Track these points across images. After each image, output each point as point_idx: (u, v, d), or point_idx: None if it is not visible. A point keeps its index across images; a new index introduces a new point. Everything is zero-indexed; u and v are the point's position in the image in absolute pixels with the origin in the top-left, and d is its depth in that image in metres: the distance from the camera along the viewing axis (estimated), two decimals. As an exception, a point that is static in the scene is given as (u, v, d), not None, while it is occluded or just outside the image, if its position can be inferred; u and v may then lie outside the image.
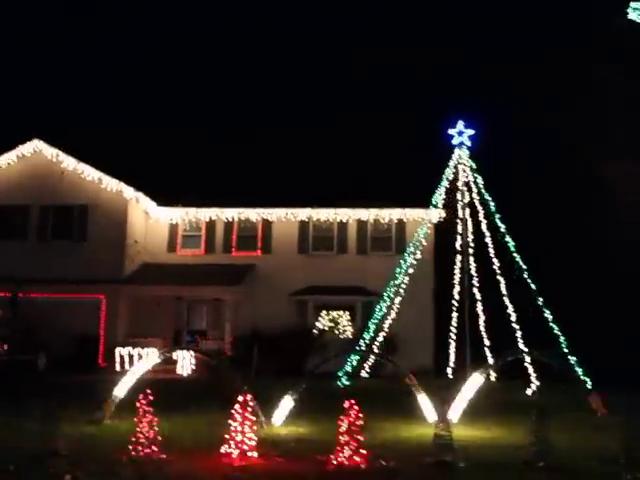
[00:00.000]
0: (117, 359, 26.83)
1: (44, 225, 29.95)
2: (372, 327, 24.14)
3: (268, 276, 30.11)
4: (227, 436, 10.46)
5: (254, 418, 10.84)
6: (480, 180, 23.82)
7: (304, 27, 53.87)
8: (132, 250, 30.14)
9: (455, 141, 24.20)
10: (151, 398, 10.80)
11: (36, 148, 30.12)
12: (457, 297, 23.32)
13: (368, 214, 30.72)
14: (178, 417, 14.30)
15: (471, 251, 23.39)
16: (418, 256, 24.79)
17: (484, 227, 23.46)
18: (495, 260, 22.99)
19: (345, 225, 31.00)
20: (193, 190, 30.33)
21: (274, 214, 31.01)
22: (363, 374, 23.58)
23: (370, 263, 30.22)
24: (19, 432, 12.71)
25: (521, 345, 21.85)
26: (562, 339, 21.78)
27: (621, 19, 20.30)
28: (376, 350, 23.10)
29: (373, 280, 28.87)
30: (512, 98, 34.56)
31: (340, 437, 10.13)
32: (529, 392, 21.19)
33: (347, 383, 22.61)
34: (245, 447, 10.37)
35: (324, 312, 29.76)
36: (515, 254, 22.86)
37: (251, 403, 11.85)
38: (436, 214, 27.01)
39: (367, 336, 24.06)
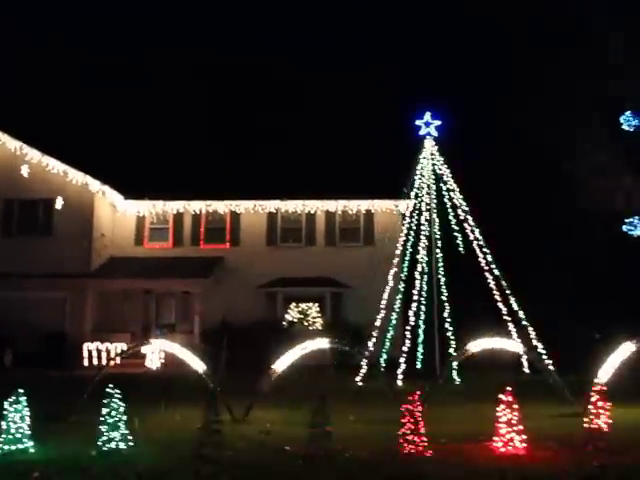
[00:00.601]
0: (85, 354, 26.64)
1: (8, 219, 29.54)
2: (341, 318, 24.16)
3: (237, 268, 30.05)
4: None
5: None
6: (447, 171, 23.92)
7: (270, 15, 53.69)
8: (99, 244, 29.87)
9: (422, 132, 24.27)
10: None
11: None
12: (425, 288, 23.39)
13: (336, 205, 30.76)
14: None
15: (439, 242, 23.48)
16: (387, 247, 24.83)
17: (452, 217, 23.56)
18: (462, 250, 23.09)
19: (313, 217, 31.01)
20: (160, 183, 30.09)
21: (242, 206, 30.92)
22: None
23: (339, 254, 30.26)
24: None
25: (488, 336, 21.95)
26: (530, 329, 21.97)
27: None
28: (345, 342, 23.07)
29: (342, 271, 28.95)
30: (479, 89, 34.75)
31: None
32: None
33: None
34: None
35: (293, 304, 29.75)
36: (483, 243, 23.00)
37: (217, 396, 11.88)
38: (404, 205, 27.07)
39: (336, 327, 24.08)
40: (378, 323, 22.65)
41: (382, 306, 22.88)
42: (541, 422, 12.96)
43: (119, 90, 38.28)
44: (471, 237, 23.07)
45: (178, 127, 34.46)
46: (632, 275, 28.42)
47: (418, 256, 23.07)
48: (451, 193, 23.65)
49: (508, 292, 22.23)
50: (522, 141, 30.69)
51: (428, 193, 23.81)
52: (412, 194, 24.37)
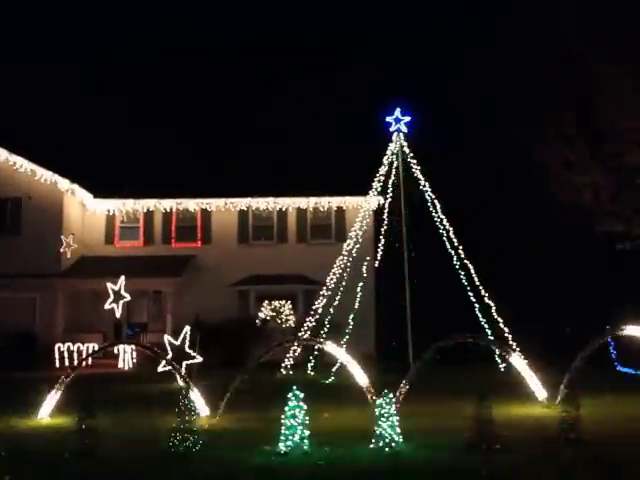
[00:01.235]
0: (57, 355, 26.39)
1: (-24, 219, 29.19)
2: (314, 316, 24.16)
3: (209, 267, 29.96)
4: None
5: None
6: (417, 166, 24.01)
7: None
8: (68, 243, 29.57)
9: (392, 128, 24.33)
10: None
11: (-34, 140, 29.32)
12: (397, 283, 23.47)
13: (307, 202, 30.78)
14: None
15: (409, 237, 23.54)
16: (358, 244, 24.87)
17: (422, 213, 23.65)
18: (432, 245, 23.19)
19: (285, 214, 31.01)
20: (130, 181, 29.90)
21: (213, 204, 30.83)
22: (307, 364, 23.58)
23: (311, 251, 30.29)
24: None
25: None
26: (500, 322, 22.18)
27: None
28: (319, 339, 23.10)
29: (314, 268, 28.94)
30: (448, 83, 34.88)
31: None
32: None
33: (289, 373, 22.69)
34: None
35: (266, 302, 29.68)
36: (453, 239, 23.14)
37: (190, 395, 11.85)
38: (375, 201, 27.14)
39: (309, 325, 24.07)
40: (351, 319, 22.72)
41: (356, 303, 22.98)
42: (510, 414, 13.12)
43: (88, 86, 37.93)
44: (442, 231, 23.21)
45: (148, 125, 34.18)
46: (603, 271, 28.76)
47: (389, 251, 23.16)
48: (420, 188, 23.74)
49: (479, 286, 22.43)
50: (491, 131, 30.86)
51: (398, 189, 23.86)
52: (379, 190, 24.47)
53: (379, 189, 24.67)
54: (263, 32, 43.20)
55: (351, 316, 23.16)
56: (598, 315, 21.12)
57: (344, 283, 24.31)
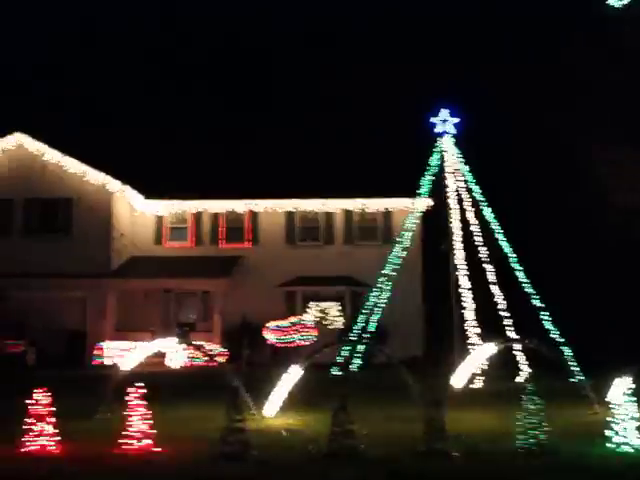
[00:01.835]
0: (106, 354, 26.70)
1: (28, 219, 29.73)
2: (361, 317, 24.09)
3: (256, 267, 30.07)
4: None
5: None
6: (466, 168, 23.77)
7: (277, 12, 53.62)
8: (118, 243, 29.99)
9: (439, 129, 24.14)
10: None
11: (19, 141, 29.86)
12: (445, 286, 23.30)
13: (354, 204, 30.73)
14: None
15: (459, 239, 23.32)
16: (406, 245, 24.74)
17: (471, 215, 23.39)
18: (483, 248, 22.91)
19: (332, 215, 31.01)
20: (179, 183, 30.17)
21: (260, 205, 30.96)
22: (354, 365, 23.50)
23: (357, 253, 30.23)
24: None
25: (511, 333, 21.88)
26: (553, 327, 21.84)
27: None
28: (366, 341, 23.05)
29: (361, 270, 28.87)
30: (498, 85, 34.51)
31: None
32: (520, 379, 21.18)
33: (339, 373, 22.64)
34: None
35: (312, 303, 29.72)
36: (503, 241, 22.87)
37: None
38: (423, 203, 26.99)
39: (357, 326, 24.02)
40: (399, 321, 22.62)
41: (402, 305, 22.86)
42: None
43: (139, 92, 38.42)
44: (496, 235, 22.94)
45: (198, 127, 34.49)
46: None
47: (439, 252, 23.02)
48: (469, 190, 23.50)
49: (530, 292, 22.16)
50: (543, 136, 30.43)
51: (446, 191, 23.66)
52: (427, 192, 24.32)
53: (427, 191, 24.50)
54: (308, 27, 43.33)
55: (398, 318, 23.03)
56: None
57: (392, 285, 24.16)
